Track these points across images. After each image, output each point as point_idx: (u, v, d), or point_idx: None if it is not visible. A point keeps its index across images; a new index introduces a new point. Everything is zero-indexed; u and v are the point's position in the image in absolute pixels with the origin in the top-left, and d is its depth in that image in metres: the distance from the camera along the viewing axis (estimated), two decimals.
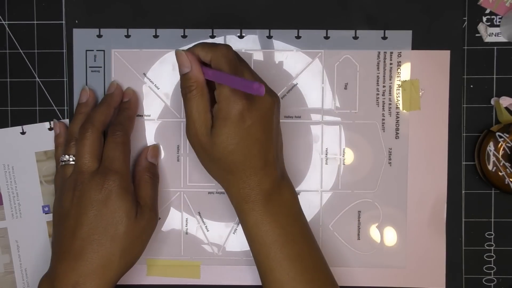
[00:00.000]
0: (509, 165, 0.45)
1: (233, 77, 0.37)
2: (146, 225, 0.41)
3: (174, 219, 0.47)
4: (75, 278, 0.38)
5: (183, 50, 0.40)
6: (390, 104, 0.47)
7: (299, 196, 0.47)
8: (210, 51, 0.39)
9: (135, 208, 0.40)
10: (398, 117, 0.47)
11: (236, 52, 0.41)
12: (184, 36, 0.47)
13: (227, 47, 0.39)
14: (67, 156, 0.42)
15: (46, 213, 0.47)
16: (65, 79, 0.47)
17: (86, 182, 0.40)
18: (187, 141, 0.46)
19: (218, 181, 0.42)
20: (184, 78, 0.40)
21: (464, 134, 0.47)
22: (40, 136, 0.47)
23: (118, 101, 0.45)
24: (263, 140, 0.39)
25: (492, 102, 0.47)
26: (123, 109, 0.45)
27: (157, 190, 0.45)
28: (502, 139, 0.45)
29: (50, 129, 0.47)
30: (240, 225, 0.47)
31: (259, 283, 0.47)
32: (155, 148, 0.46)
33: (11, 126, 0.47)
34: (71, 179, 0.41)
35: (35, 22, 0.47)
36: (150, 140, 0.47)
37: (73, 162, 0.42)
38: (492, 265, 0.47)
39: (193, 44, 0.42)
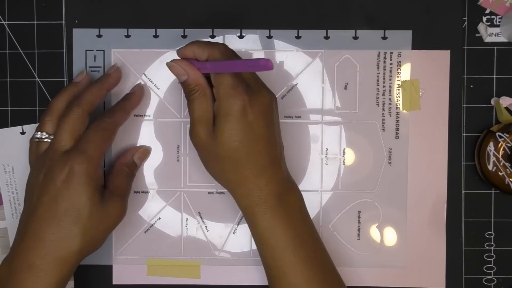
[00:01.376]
0: (509, 165, 0.45)
1: (235, 61, 0.37)
2: (113, 212, 0.40)
3: (174, 219, 0.47)
4: (31, 259, 0.37)
5: (173, 60, 0.40)
6: (390, 104, 0.47)
7: None
8: (207, 48, 0.39)
9: (100, 194, 0.39)
10: (398, 117, 0.47)
11: (234, 52, 0.41)
12: (184, 36, 0.47)
13: (224, 45, 0.40)
14: (40, 133, 0.41)
15: None
16: (65, 79, 0.47)
17: (54, 161, 0.39)
18: (187, 141, 0.47)
19: (224, 184, 0.41)
20: (184, 85, 0.40)
21: (464, 134, 0.47)
22: None
23: (113, 84, 0.44)
24: (267, 136, 0.39)
25: (492, 102, 0.47)
26: (123, 98, 0.44)
27: (131, 186, 0.44)
28: (502, 139, 0.45)
29: None
30: (239, 225, 0.47)
31: (259, 283, 0.47)
32: (145, 152, 0.46)
33: (11, 126, 0.47)
34: (43, 156, 0.40)
35: (35, 22, 0.47)
36: (149, 140, 0.47)
37: (47, 140, 0.41)
38: (492, 265, 0.47)
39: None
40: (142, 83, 0.46)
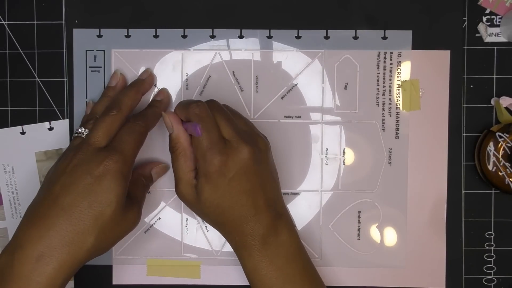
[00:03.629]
0: (509, 165, 0.45)
1: (186, 124, 0.40)
2: (130, 218, 0.40)
3: (174, 219, 0.47)
4: (41, 249, 0.35)
5: (168, 111, 0.42)
6: (390, 104, 0.47)
7: (299, 196, 0.47)
8: (185, 110, 0.40)
9: (125, 197, 0.39)
10: (398, 117, 0.47)
11: (217, 104, 0.41)
12: (184, 36, 0.47)
13: (198, 104, 0.40)
14: (82, 129, 0.41)
15: None
16: (65, 79, 0.47)
17: (88, 154, 0.38)
18: None
19: (215, 228, 0.42)
20: (169, 138, 0.41)
21: (464, 134, 0.47)
22: (40, 136, 0.47)
23: (147, 89, 0.46)
24: (249, 189, 0.39)
25: (492, 102, 0.47)
26: (153, 105, 0.45)
27: (145, 197, 0.44)
28: (502, 139, 0.45)
29: (50, 129, 0.47)
30: None
31: None
32: (163, 168, 0.46)
33: (11, 126, 0.47)
34: (75, 147, 0.40)
35: (35, 22, 0.47)
36: (149, 139, 0.47)
37: (84, 136, 0.41)
38: (492, 265, 0.47)
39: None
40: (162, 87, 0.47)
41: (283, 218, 0.41)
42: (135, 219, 0.41)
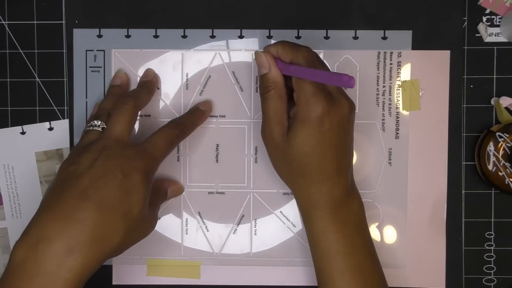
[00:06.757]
0: (509, 165, 0.45)
1: (318, 71, 0.37)
2: (151, 223, 0.40)
3: (174, 219, 0.47)
4: (71, 243, 0.33)
5: (261, 51, 0.40)
6: (390, 104, 0.47)
7: None
8: (291, 52, 0.39)
9: (148, 200, 0.39)
10: (398, 117, 0.47)
11: (317, 55, 0.41)
12: (184, 36, 0.47)
13: (307, 49, 0.39)
14: (96, 122, 0.40)
15: None
16: (65, 79, 0.47)
17: (118, 150, 0.38)
18: (188, 141, 0.47)
19: (288, 183, 0.41)
20: (263, 78, 0.40)
21: (464, 134, 0.47)
22: (40, 136, 0.47)
23: (154, 90, 0.46)
24: (339, 146, 0.39)
25: (492, 102, 0.47)
26: (193, 113, 0.45)
27: (159, 209, 0.43)
28: (502, 139, 0.45)
29: (50, 129, 0.47)
30: (239, 225, 0.47)
31: (259, 283, 0.47)
32: (179, 189, 0.46)
33: (11, 126, 0.47)
34: (96, 142, 0.38)
35: (35, 22, 0.47)
36: None
37: (100, 130, 0.40)
38: (492, 265, 0.47)
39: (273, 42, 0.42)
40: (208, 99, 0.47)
41: (354, 188, 0.41)
42: (153, 224, 0.41)
